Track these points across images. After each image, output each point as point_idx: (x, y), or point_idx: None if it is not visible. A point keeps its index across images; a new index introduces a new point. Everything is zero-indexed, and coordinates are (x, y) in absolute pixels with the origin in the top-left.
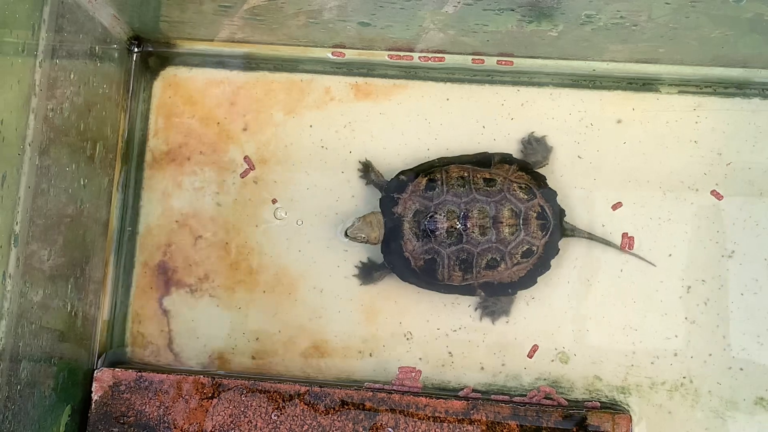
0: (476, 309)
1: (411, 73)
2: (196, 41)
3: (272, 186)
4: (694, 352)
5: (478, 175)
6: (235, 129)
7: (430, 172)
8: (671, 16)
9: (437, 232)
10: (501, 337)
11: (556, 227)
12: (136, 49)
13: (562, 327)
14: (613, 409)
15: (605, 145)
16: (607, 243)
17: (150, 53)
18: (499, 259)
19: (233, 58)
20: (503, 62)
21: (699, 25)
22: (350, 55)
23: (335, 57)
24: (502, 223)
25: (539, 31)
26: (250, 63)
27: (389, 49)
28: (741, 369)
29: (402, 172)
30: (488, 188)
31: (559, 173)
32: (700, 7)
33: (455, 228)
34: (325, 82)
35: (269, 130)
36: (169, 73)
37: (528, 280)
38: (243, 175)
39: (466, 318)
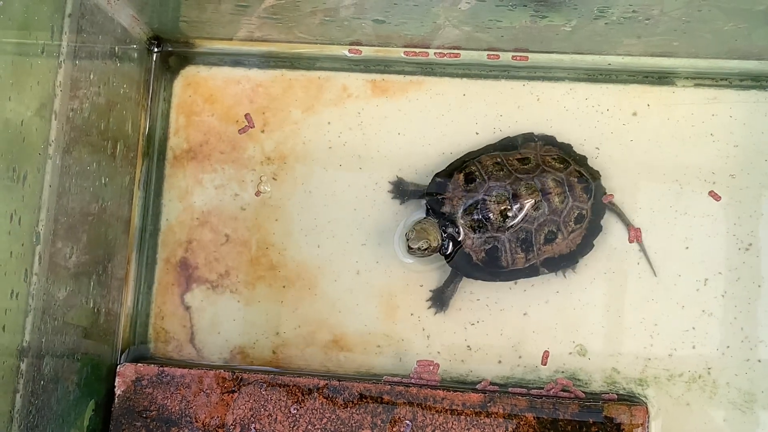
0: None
1: (427, 69)
2: (215, 40)
3: (290, 182)
4: (711, 344)
5: (511, 158)
6: (255, 126)
7: (464, 167)
8: (684, 9)
9: (492, 219)
10: (519, 330)
11: (598, 187)
12: (155, 49)
13: (580, 320)
14: (630, 401)
15: (621, 139)
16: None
17: (170, 53)
18: (555, 231)
19: (252, 57)
20: (518, 57)
21: (712, 18)
22: (367, 52)
23: (352, 54)
24: (550, 193)
25: (553, 26)
26: (269, 61)
27: (405, 46)
28: (759, 361)
29: (437, 174)
30: (525, 167)
31: None
32: (712, 0)
33: (509, 209)
34: (342, 80)
35: (287, 127)
36: (189, 72)
37: (586, 246)
38: (242, 131)
39: (484, 312)
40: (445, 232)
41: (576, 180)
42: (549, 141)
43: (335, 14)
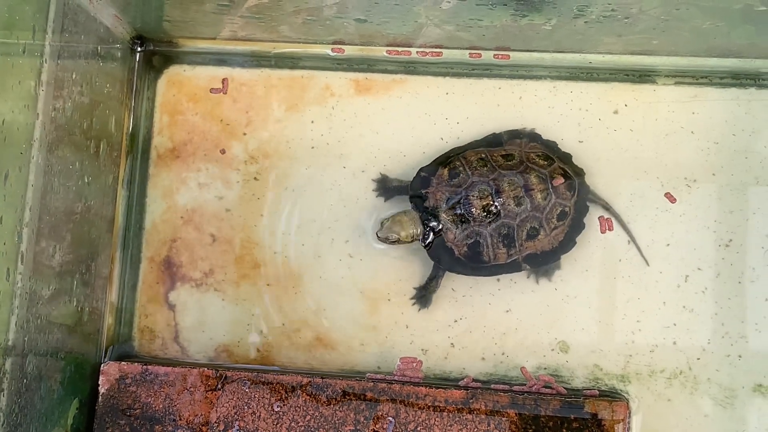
0: (528, 276)
1: (410, 68)
2: (199, 40)
3: (274, 181)
4: (692, 340)
5: (495, 154)
6: (238, 125)
7: (448, 162)
8: (662, 8)
9: (474, 213)
10: (502, 327)
11: (581, 184)
12: (139, 49)
13: (562, 316)
14: (612, 397)
15: (603, 137)
16: (618, 219)
17: (153, 52)
18: (538, 227)
19: (235, 56)
20: (500, 56)
21: (690, 17)
22: (350, 51)
23: (335, 53)
24: (533, 189)
25: (533, 24)
26: (252, 60)
27: (388, 45)
28: (739, 356)
29: (421, 169)
30: (509, 162)
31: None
32: None
33: (491, 205)
34: (325, 79)
35: (271, 126)
36: (173, 71)
37: (568, 243)
38: (214, 91)
39: (467, 309)
40: (427, 226)
41: (560, 176)
42: (534, 138)
43: (318, 13)
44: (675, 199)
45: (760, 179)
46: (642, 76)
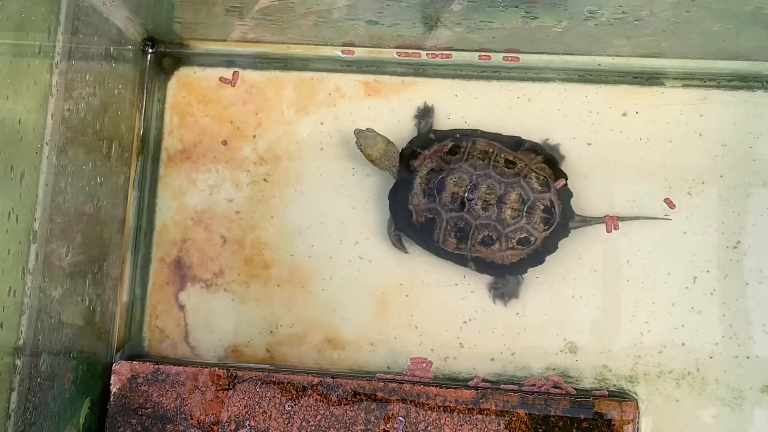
0: (489, 291)
1: (419, 70)
2: (209, 41)
3: (283, 182)
4: (701, 341)
5: (502, 155)
6: (248, 127)
7: (458, 138)
8: (672, 10)
9: (443, 194)
10: (511, 328)
11: (561, 226)
12: (150, 50)
13: (570, 317)
14: (621, 397)
15: (611, 139)
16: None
17: (164, 54)
18: (494, 238)
19: (245, 58)
20: (509, 58)
21: (700, 19)
22: (359, 53)
23: (345, 55)
24: (506, 204)
25: (544, 27)
26: (262, 62)
27: (398, 47)
28: (747, 357)
29: (433, 131)
30: (506, 169)
31: (565, 164)
32: (700, 1)
33: (461, 195)
34: (335, 80)
35: (280, 128)
36: (183, 73)
37: (519, 268)
38: (223, 80)
39: (476, 310)
40: (401, 182)
41: (542, 208)
42: (549, 161)
43: (328, 15)
44: (674, 205)
45: (767, 181)
46: (650, 79)
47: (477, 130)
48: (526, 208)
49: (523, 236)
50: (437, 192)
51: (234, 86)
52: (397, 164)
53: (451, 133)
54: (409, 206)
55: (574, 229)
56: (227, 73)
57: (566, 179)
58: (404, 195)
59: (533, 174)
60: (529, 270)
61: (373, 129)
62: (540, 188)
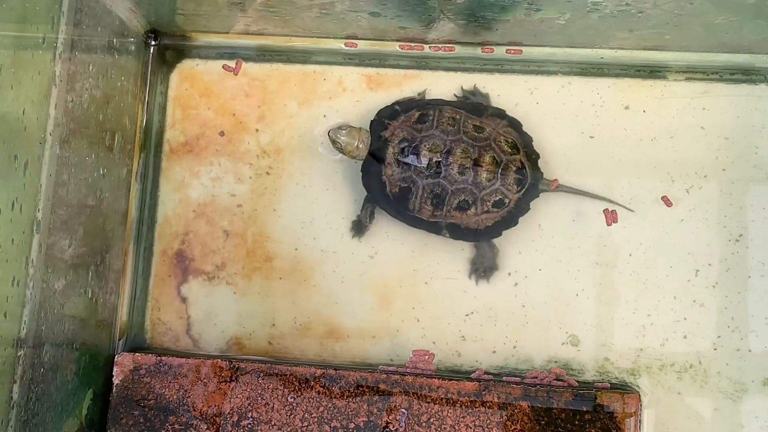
0: (470, 275)
1: (422, 63)
2: (212, 34)
3: (286, 175)
4: (703, 334)
5: (469, 121)
6: (250, 120)
7: (424, 107)
8: (676, 2)
9: (418, 162)
10: (513, 320)
11: (532, 186)
12: (153, 42)
13: (572, 310)
14: (623, 389)
15: (614, 132)
16: (589, 195)
17: (167, 46)
18: (470, 202)
19: (248, 50)
20: (512, 51)
21: (704, 12)
22: (362, 45)
23: (348, 48)
24: (481, 167)
25: (547, 19)
26: (265, 55)
27: (400, 40)
28: (749, 351)
29: (397, 102)
30: (476, 134)
31: (568, 158)
32: None
33: (436, 161)
34: (337, 73)
35: (283, 120)
36: (186, 65)
37: (493, 231)
38: (226, 68)
39: (478, 303)
40: (373, 155)
41: (514, 169)
42: (514, 125)
43: (331, 8)
44: (671, 203)
45: None
46: (653, 72)
47: (440, 99)
48: (500, 170)
49: (498, 198)
50: (412, 159)
51: (236, 75)
52: (368, 147)
53: (415, 104)
54: (383, 177)
55: (543, 192)
56: (230, 63)
57: (532, 140)
58: (377, 167)
59: (501, 137)
60: (504, 233)
61: (346, 123)
62: (510, 150)
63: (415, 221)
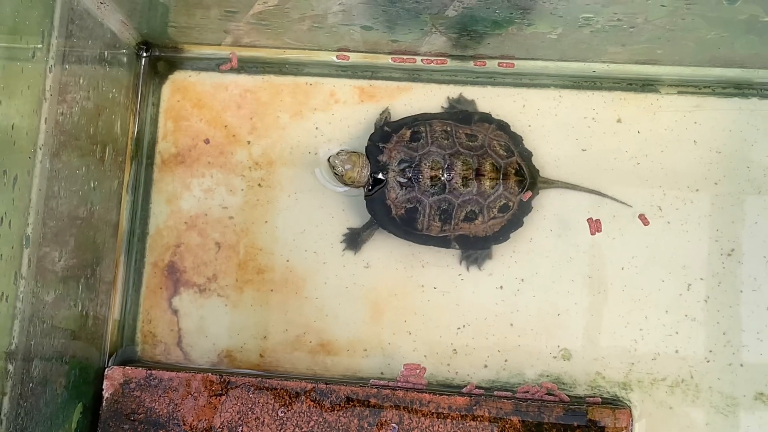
0: (461, 262)
1: (414, 75)
2: (204, 46)
3: (278, 187)
4: (694, 348)
5: (460, 131)
6: (242, 132)
7: (414, 124)
8: (667, 18)
9: (421, 181)
10: (504, 334)
11: (532, 185)
12: (144, 54)
13: (564, 324)
14: (614, 404)
15: (606, 145)
16: (586, 190)
17: (158, 58)
18: (477, 212)
19: (240, 62)
20: (504, 64)
21: (695, 27)
22: (354, 58)
23: (340, 60)
24: (483, 175)
25: (538, 33)
26: (257, 67)
27: (392, 53)
28: (741, 365)
29: (386, 124)
30: (470, 143)
31: (560, 171)
32: (696, 9)
33: (439, 178)
34: (330, 85)
35: (275, 132)
36: (178, 77)
37: (501, 235)
38: (223, 66)
39: (470, 316)
40: (374, 178)
41: (513, 171)
42: (502, 127)
43: (323, 20)
44: (648, 222)
45: (762, 189)
46: (645, 86)
47: (425, 113)
48: (501, 176)
49: (503, 203)
50: (414, 180)
51: (235, 66)
52: (369, 173)
53: (403, 122)
54: (387, 201)
55: (542, 189)
56: (221, 79)
57: (522, 140)
58: (380, 192)
59: (494, 142)
60: (511, 235)
61: (344, 149)
62: (506, 154)
63: (423, 239)
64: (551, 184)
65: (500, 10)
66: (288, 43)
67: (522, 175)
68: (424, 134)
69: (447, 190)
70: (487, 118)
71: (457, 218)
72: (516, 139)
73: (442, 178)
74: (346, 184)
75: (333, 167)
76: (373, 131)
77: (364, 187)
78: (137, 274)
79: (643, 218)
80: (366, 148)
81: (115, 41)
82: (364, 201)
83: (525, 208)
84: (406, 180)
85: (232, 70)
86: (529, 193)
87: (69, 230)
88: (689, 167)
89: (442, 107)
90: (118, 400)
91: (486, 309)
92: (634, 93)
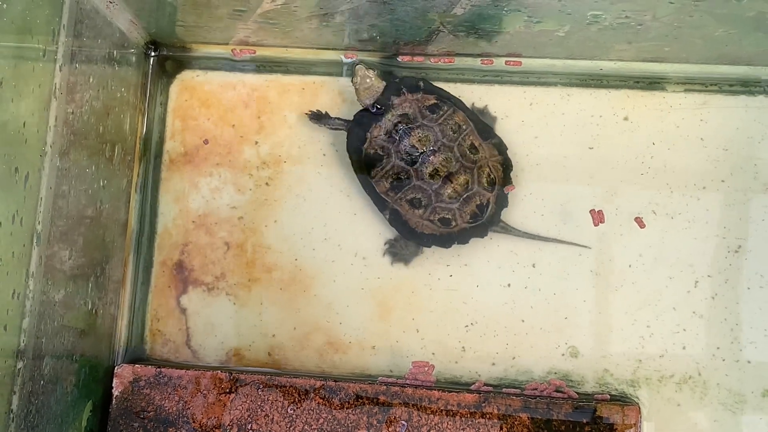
0: (384, 254)
1: (422, 74)
2: (212, 45)
3: (286, 186)
4: (702, 345)
5: (471, 138)
6: (250, 131)
7: (443, 100)
8: (675, 15)
9: (402, 143)
10: (513, 332)
11: (482, 227)
12: (153, 53)
13: (572, 321)
14: (623, 401)
15: (613, 143)
16: (540, 238)
17: (166, 57)
18: (423, 204)
19: (248, 62)
20: (512, 63)
21: (703, 24)
22: (362, 57)
23: (348, 59)
24: (452, 182)
25: (546, 31)
26: (264, 66)
27: (400, 51)
28: (749, 362)
29: (423, 80)
30: (469, 152)
31: (567, 169)
32: (704, 6)
33: (417, 151)
34: (337, 84)
35: (283, 131)
36: (186, 76)
37: (425, 240)
38: (236, 53)
39: (478, 314)
40: (375, 108)
41: (476, 203)
42: (506, 164)
43: (331, 19)
44: (644, 225)
45: None
46: (652, 83)
47: (461, 100)
48: (465, 196)
49: (447, 217)
50: (400, 137)
51: (254, 53)
52: (377, 97)
53: (438, 91)
54: (368, 133)
55: (493, 232)
56: (229, 78)
57: (514, 188)
58: (369, 121)
59: (487, 169)
60: (433, 246)
61: (366, 67)
62: (486, 185)
63: (368, 187)
64: (507, 230)
65: (508, 7)
66: (296, 42)
67: (481, 213)
68: (442, 113)
69: (415, 166)
70: (501, 148)
71: (404, 195)
72: (507, 182)
73: (418, 155)
74: (355, 88)
75: (356, 71)
76: (408, 77)
77: (371, 107)
78: (146, 273)
79: (639, 221)
80: (392, 81)
81: (123, 40)
82: (354, 115)
83: (462, 238)
84: (393, 130)
85: (238, 69)
86: (512, 188)
87: (78, 229)
88: (696, 165)
89: (477, 108)
90: (127, 398)
91: (494, 307)
92: (641, 91)
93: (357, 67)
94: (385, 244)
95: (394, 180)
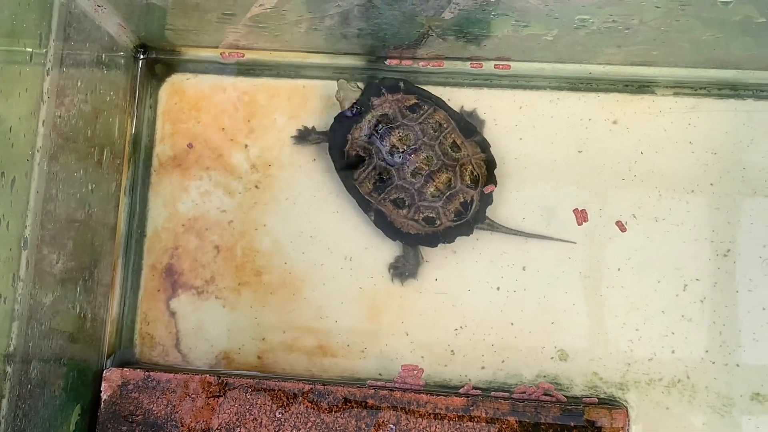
0: (389, 270)
1: (411, 77)
2: (201, 48)
3: (275, 190)
4: (691, 348)
5: (452, 136)
6: (240, 134)
7: (423, 99)
8: (662, 19)
9: (384, 143)
10: (502, 335)
11: (467, 225)
12: (142, 57)
13: (561, 325)
14: (611, 404)
15: (602, 146)
16: (526, 235)
17: (156, 60)
18: (406, 204)
19: (237, 65)
20: (501, 66)
21: (690, 28)
22: (351, 60)
23: (337, 63)
24: (434, 180)
25: (534, 35)
26: (254, 69)
27: (389, 55)
28: (737, 365)
29: (404, 81)
30: (451, 150)
31: (556, 172)
32: (690, 11)
33: (399, 151)
34: (326, 88)
35: (272, 135)
36: (175, 79)
37: (411, 240)
38: (224, 56)
39: (468, 318)
40: (356, 109)
41: (460, 201)
42: (489, 162)
43: (320, 23)
44: (625, 229)
45: (757, 190)
46: (641, 87)
47: (442, 99)
48: (448, 194)
49: (431, 216)
50: (380, 138)
51: (242, 57)
52: (356, 97)
53: (418, 91)
54: (349, 135)
55: (478, 230)
56: (219, 81)
57: (495, 186)
58: (349, 123)
59: (470, 167)
60: (420, 247)
61: (345, 80)
62: (469, 182)
63: (352, 189)
64: (492, 227)
65: (496, 11)
66: (285, 45)
67: (466, 210)
68: (422, 112)
69: (396, 166)
70: (484, 146)
71: (388, 195)
72: (491, 179)
73: (400, 154)
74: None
75: (339, 87)
76: (388, 78)
77: (348, 110)
78: (135, 277)
79: (620, 225)
80: (369, 84)
81: (112, 44)
82: (334, 121)
83: (448, 237)
84: (373, 131)
85: (228, 72)
86: (492, 187)
87: (67, 233)
88: (685, 168)
89: (466, 111)
90: (116, 402)
91: (483, 310)
92: (630, 94)
93: (339, 81)
94: (388, 270)
95: (376, 181)
